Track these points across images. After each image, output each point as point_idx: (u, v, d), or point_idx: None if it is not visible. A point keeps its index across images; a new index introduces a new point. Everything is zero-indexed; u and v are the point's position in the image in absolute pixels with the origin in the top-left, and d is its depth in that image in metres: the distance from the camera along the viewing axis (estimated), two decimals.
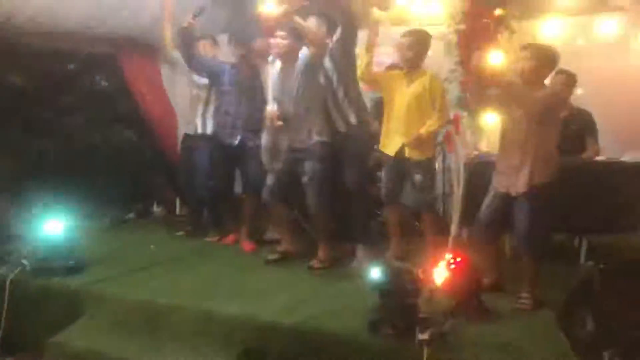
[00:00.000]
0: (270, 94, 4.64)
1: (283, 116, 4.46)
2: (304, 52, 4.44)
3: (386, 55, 6.59)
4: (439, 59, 5.77)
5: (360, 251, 4.45)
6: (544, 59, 3.62)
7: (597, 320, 2.51)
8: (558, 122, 3.64)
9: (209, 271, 4.38)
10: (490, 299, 3.51)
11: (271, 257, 4.58)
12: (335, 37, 4.38)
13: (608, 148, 4.73)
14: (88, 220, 5.44)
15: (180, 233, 5.46)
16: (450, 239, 4.68)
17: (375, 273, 3.19)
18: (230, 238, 5.22)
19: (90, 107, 6.28)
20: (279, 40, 4.43)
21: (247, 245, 4.99)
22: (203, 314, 3.50)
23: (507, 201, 3.59)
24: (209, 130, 5.25)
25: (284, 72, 4.50)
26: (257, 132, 4.88)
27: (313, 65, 4.38)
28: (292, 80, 4.42)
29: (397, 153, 4.25)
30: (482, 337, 3.05)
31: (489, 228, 3.72)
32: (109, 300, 3.80)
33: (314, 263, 4.38)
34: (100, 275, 4.12)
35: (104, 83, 6.46)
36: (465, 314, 3.33)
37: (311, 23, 4.34)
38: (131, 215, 6.42)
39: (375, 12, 6.10)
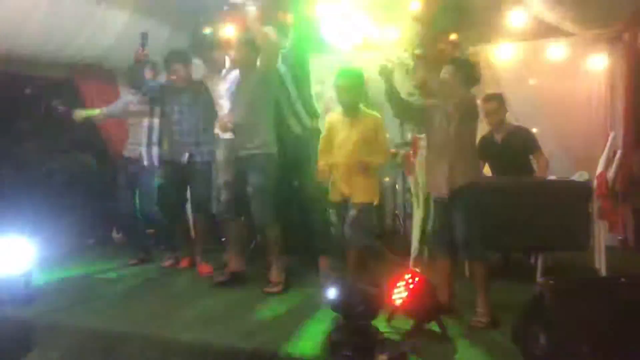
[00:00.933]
0: (224, 105, 4.65)
1: (235, 127, 4.46)
2: (258, 64, 4.45)
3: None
4: (397, 83, 5.90)
5: (324, 263, 4.43)
6: (465, 73, 3.72)
7: (549, 334, 2.55)
8: (475, 126, 3.75)
9: (166, 297, 4.31)
10: (449, 318, 3.56)
11: (219, 279, 4.51)
12: (289, 43, 4.48)
13: (559, 168, 4.86)
14: (44, 247, 5.30)
15: (133, 261, 5.29)
16: (411, 260, 4.75)
17: (333, 294, 3.19)
18: (185, 262, 5.14)
19: (47, 132, 6.18)
20: (236, 51, 4.47)
21: (202, 269, 4.92)
22: (160, 343, 3.42)
23: (442, 207, 3.68)
24: (155, 161, 5.20)
25: (239, 83, 4.51)
26: (206, 147, 4.87)
27: (268, 75, 4.40)
28: (246, 91, 4.42)
29: (341, 199, 4.17)
30: (441, 357, 3.07)
31: (441, 237, 3.77)
32: (63, 331, 3.69)
33: (268, 288, 4.32)
34: (54, 304, 4.02)
35: (61, 108, 6.35)
36: (424, 334, 3.36)
37: (269, 31, 4.39)
38: (90, 241, 6.30)
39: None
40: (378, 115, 4.23)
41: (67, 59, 5.52)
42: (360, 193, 4.13)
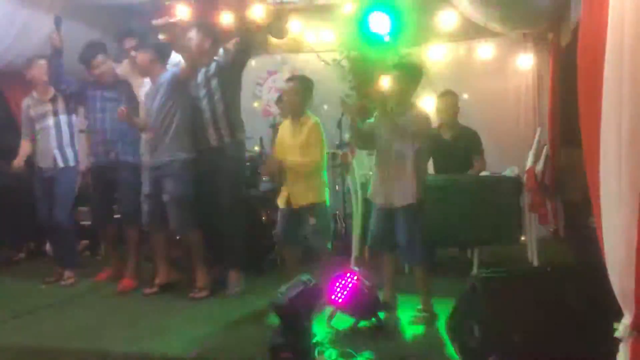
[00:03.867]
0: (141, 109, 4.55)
1: (149, 133, 4.39)
2: (173, 68, 4.41)
3: (281, 82, 6.75)
4: (333, 84, 5.97)
5: (233, 276, 4.40)
6: (410, 77, 3.81)
7: (482, 327, 2.63)
8: (426, 141, 3.81)
9: (99, 311, 4.16)
10: (389, 314, 3.62)
11: (148, 291, 4.42)
12: (224, 57, 4.42)
13: (490, 164, 5.01)
14: None
15: (50, 279, 4.92)
16: (352, 258, 4.79)
17: (274, 297, 3.18)
18: (103, 275, 4.93)
19: None
20: (141, 55, 4.37)
21: (124, 282, 4.63)
22: (97, 356, 3.31)
23: (389, 216, 3.72)
24: (72, 162, 4.94)
25: (153, 86, 4.42)
26: (131, 147, 4.71)
27: (184, 81, 4.35)
28: (160, 95, 4.33)
29: (287, 204, 4.18)
30: (382, 353, 3.11)
31: (380, 242, 3.83)
32: None
33: (194, 293, 4.28)
34: None
35: None
36: (364, 332, 3.40)
37: (192, 34, 4.36)
38: (21, 255, 6.03)
39: (272, 40, 6.31)
40: (317, 119, 4.22)
41: None
42: (308, 194, 4.12)
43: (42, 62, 4.83)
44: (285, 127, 4.30)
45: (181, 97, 4.37)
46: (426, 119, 3.79)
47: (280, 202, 4.24)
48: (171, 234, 4.61)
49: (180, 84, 4.35)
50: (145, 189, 4.45)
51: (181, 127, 4.35)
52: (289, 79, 4.37)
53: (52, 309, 4.21)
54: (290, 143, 4.17)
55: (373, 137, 3.80)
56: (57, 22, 4.67)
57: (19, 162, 4.97)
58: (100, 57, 4.73)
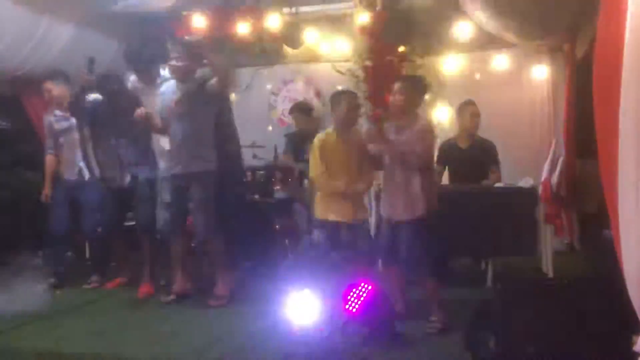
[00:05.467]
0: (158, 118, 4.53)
1: (173, 142, 4.40)
2: (199, 77, 4.40)
3: (296, 92, 6.79)
4: None
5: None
6: (413, 90, 3.80)
7: (498, 338, 2.61)
8: (432, 153, 3.82)
9: (113, 318, 4.18)
10: (402, 325, 3.60)
11: (166, 299, 4.43)
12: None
13: (505, 175, 5.00)
14: None
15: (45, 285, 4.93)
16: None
17: (289, 305, 3.18)
18: (115, 282, 4.98)
19: None
20: (174, 62, 4.36)
21: (142, 288, 4.68)
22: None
23: (396, 230, 3.71)
24: (97, 173, 5.03)
25: (178, 98, 4.40)
26: (146, 166, 4.74)
27: (209, 91, 4.34)
28: (186, 104, 4.34)
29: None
30: None
31: (389, 255, 3.82)
32: (7, 354, 3.54)
33: (211, 301, 4.29)
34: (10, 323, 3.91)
35: (4, 124, 6.17)
36: (378, 341, 3.38)
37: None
38: (38, 261, 6.08)
39: (287, 50, 6.36)
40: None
41: (9, 74, 5.35)
42: (360, 210, 4.03)
43: (63, 85, 4.96)
44: (329, 141, 4.03)
45: (207, 108, 4.39)
46: (430, 131, 3.76)
47: (325, 215, 4.02)
48: (188, 242, 4.64)
49: (208, 96, 4.36)
50: (166, 197, 4.45)
51: (206, 137, 4.39)
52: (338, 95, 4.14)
53: (65, 315, 4.25)
54: (341, 158, 3.97)
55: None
56: (90, 63, 4.70)
57: (46, 191, 5.08)
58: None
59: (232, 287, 4.43)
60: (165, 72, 4.74)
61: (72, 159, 5.08)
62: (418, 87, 3.89)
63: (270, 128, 6.75)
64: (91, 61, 4.69)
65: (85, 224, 5.06)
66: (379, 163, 3.93)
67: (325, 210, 3.99)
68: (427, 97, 3.95)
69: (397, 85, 3.82)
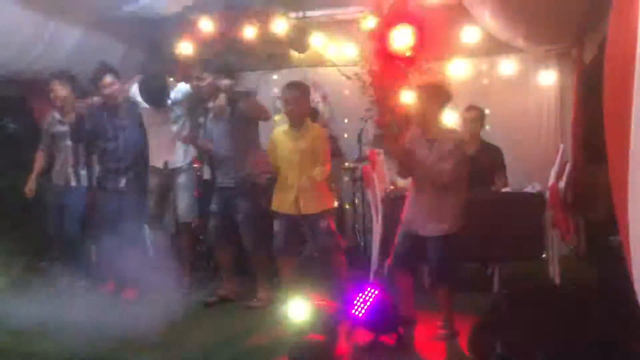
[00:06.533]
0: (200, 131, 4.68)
1: (215, 154, 4.54)
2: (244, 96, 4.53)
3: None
4: (355, 98, 5.99)
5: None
6: (435, 97, 3.75)
7: (505, 344, 2.59)
8: (464, 168, 3.69)
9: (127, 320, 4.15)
10: (409, 330, 3.58)
11: (209, 299, 4.52)
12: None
13: (512, 180, 4.97)
14: None
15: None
16: (371, 273, 4.77)
17: (295, 312, 3.18)
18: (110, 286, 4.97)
19: None
20: (196, 82, 4.49)
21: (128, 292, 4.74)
22: None
23: (419, 241, 3.68)
24: (84, 182, 5.06)
25: (220, 115, 4.49)
26: (140, 173, 4.86)
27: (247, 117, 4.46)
28: (224, 123, 4.45)
29: (292, 209, 4.24)
30: None
31: (404, 262, 3.80)
32: (15, 356, 3.55)
33: (252, 302, 4.37)
34: (5, 329, 3.91)
35: (12, 126, 6.18)
36: (384, 346, 3.37)
37: None
38: (43, 263, 6.09)
39: (294, 54, 6.36)
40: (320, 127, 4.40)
41: (17, 76, 5.37)
42: (316, 203, 4.21)
43: (69, 87, 4.99)
44: (282, 134, 4.38)
45: (246, 124, 4.49)
46: (462, 146, 3.70)
47: (284, 207, 4.30)
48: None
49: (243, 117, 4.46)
50: (214, 207, 4.57)
51: (250, 149, 4.50)
52: (286, 87, 4.41)
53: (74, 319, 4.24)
54: (291, 150, 4.26)
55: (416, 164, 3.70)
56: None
57: (30, 186, 5.12)
58: (108, 79, 4.81)
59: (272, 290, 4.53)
60: (175, 94, 4.79)
61: (63, 165, 5.10)
62: (438, 95, 3.79)
63: None
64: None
65: (65, 227, 5.01)
66: (404, 172, 3.91)
67: (278, 202, 4.30)
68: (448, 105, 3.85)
69: (416, 94, 3.81)
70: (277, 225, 4.39)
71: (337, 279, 4.24)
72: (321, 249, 4.40)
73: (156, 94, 4.73)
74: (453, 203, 3.61)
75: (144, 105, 4.82)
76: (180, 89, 4.81)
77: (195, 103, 4.76)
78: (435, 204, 3.60)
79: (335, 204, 4.52)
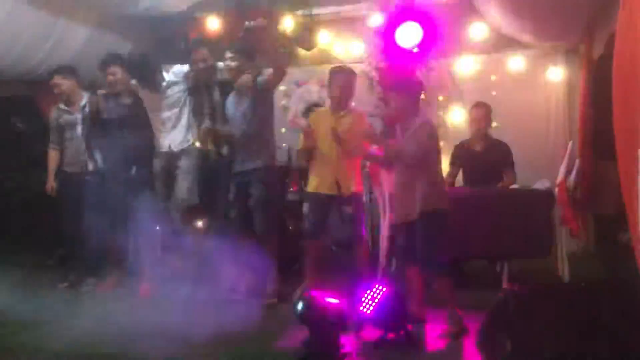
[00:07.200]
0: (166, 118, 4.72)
1: (236, 138, 4.53)
2: (261, 75, 4.50)
3: (309, 93, 6.78)
4: (362, 95, 5.98)
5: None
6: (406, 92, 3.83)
7: (514, 341, 2.58)
8: (438, 150, 3.82)
9: (129, 315, 4.17)
10: (417, 327, 3.58)
11: (268, 301, 4.38)
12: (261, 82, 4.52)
13: (521, 177, 4.95)
14: (4, 267, 5.14)
15: (64, 284, 5.06)
16: (379, 270, 4.76)
17: (301, 307, 3.17)
18: (109, 284, 4.98)
19: (7, 150, 6.03)
20: (229, 62, 4.50)
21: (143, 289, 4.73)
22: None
23: (408, 229, 3.72)
24: (100, 164, 5.03)
25: (237, 94, 4.55)
26: (147, 161, 4.86)
27: (269, 90, 4.49)
28: (246, 102, 4.46)
29: (332, 189, 4.20)
30: None
31: (404, 256, 3.82)
32: (25, 353, 3.57)
33: (263, 300, 4.34)
34: (15, 326, 3.93)
35: (20, 125, 6.23)
36: (393, 344, 3.37)
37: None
38: (51, 262, 6.12)
39: (300, 51, 6.36)
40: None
41: (26, 75, 5.40)
42: (351, 185, 4.25)
43: (71, 79, 5.03)
44: (322, 115, 4.45)
45: (266, 104, 4.52)
46: (426, 127, 3.74)
47: (322, 188, 4.31)
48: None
49: (265, 93, 4.48)
50: (231, 195, 4.59)
51: (266, 134, 4.53)
52: (334, 70, 4.47)
53: (80, 315, 4.27)
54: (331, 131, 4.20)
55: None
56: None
57: (50, 183, 5.13)
58: (114, 68, 4.81)
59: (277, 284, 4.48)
60: (169, 76, 4.80)
61: (76, 153, 5.10)
62: (409, 90, 3.89)
63: (283, 130, 6.75)
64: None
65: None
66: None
67: (316, 183, 4.31)
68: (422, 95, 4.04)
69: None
70: (307, 208, 4.38)
71: (354, 271, 4.21)
72: (344, 236, 4.34)
73: (145, 72, 4.76)
74: (428, 185, 3.64)
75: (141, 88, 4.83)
76: (175, 71, 4.82)
77: (198, 83, 4.78)
78: (412, 189, 3.65)
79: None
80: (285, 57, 4.57)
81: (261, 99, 4.47)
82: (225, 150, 4.82)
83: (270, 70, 4.44)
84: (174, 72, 4.84)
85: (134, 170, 4.90)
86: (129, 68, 4.83)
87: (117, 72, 4.82)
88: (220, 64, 4.74)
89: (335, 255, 4.41)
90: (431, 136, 3.74)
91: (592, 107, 5.20)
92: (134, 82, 4.91)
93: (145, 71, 4.78)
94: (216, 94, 4.82)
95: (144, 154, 4.91)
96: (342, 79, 4.35)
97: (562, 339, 2.50)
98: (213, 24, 5.95)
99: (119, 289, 4.86)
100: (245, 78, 4.48)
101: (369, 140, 4.08)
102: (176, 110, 4.86)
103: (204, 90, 4.82)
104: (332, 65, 4.62)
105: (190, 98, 4.88)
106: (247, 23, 4.49)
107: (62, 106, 5.12)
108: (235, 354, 3.33)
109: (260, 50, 4.60)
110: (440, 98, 5.80)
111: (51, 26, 5.06)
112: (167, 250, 4.82)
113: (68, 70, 5.04)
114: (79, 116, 5.07)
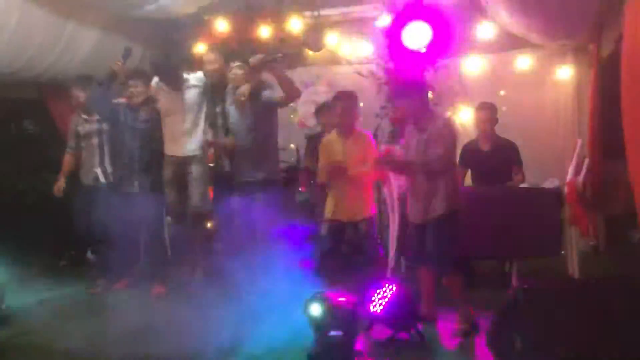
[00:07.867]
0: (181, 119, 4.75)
1: (238, 149, 4.61)
2: (269, 87, 4.61)
3: (317, 94, 6.79)
4: (370, 96, 5.98)
5: None
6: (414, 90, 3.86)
7: (524, 339, 2.59)
8: (451, 153, 3.81)
9: (137, 316, 4.16)
10: (428, 326, 3.59)
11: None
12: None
13: (529, 176, 4.95)
14: (15, 268, 5.18)
15: (97, 289, 5.05)
16: (388, 269, 4.77)
17: (311, 308, 3.19)
18: (122, 283, 5.04)
19: (18, 153, 6.08)
20: (235, 70, 4.61)
21: (156, 289, 4.81)
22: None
23: (420, 230, 3.74)
24: (111, 177, 5.11)
25: (242, 104, 4.61)
26: (152, 174, 4.89)
27: (276, 103, 4.61)
28: (248, 113, 4.56)
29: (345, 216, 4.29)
30: None
31: (416, 256, 3.82)
32: (36, 352, 3.61)
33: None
34: (27, 326, 3.95)
35: (31, 128, 6.29)
36: (403, 343, 3.38)
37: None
38: (63, 262, 6.17)
39: (308, 53, 6.38)
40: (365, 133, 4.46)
41: (36, 79, 5.45)
42: (363, 209, 4.28)
43: (87, 89, 5.05)
44: (331, 142, 4.43)
45: (270, 117, 4.68)
46: (446, 132, 3.73)
47: (335, 215, 4.32)
48: None
49: (274, 106, 4.64)
50: (234, 204, 4.63)
51: (272, 146, 4.67)
52: (336, 98, 4.47)
53: (91, 316, 4.31)
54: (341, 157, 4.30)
55: None
56: (127, 52, 4.83)
57: (59, 184, 5.15)
58: (136, 83, 4.87)
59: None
60: (190, 77, 4.83)
61: (90, 164, 5.16)
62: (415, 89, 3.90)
63: (292, 146, 6.77)
64: (127, 51, 4.81)
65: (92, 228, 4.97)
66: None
67: (331, 209, 4.32)
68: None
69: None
70: (323, 231, 4.40)
71: (364, 271, 4.23)
72: (362, 254, 4.35)
73: (169, 69, 4.82)
74: (444, 187, 3.64)
75: (163, 89, 4.86)
76: (196, 76, 4.88)
77: (209, 89, 4.82)
78: (427, 192, 3.66)
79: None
80: (292, 82, 4.60)
81: (265, 112, 4.60)
82: (226, 163, 4.89)
83: (281, 93, 4.55)
84: (195, 77, 4.87)
85: (137, 184, 4.92)
86: (152, 68, 4.91)
87: (138, 85, 4.88)
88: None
89: (346, 255, 4.40)
90: (454, 136, 3.79)
91: (601, 105, 5.18)
92: (155, 80, 4.93)
93: (168, 70, 4.83)
94: (227, 103, 4.86)
95: (155, 162, 4.94)
96: (341, 105, 4.35)
97: (572, 336, 2.50)
98: (222, 26, 5.98)
99: (131, 290, 4.91)
100: (243, 89, 4.55)
101: (382, 166, 4.11)
102: (192, 115, 4.87)
103: (215, 97, 4.85)
104: (336, 93, 4.63)
105: (206, 104, 4.92)
106: (251, 60, 4.56)
107: (82, 115, 5.17)
108: (243, 355, 3.33)
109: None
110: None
111: (61, 30, 5.10)
112: (178, 253, 4.87)
113: (88, 81, 5.08)
114: (95, 126, 5.13)
